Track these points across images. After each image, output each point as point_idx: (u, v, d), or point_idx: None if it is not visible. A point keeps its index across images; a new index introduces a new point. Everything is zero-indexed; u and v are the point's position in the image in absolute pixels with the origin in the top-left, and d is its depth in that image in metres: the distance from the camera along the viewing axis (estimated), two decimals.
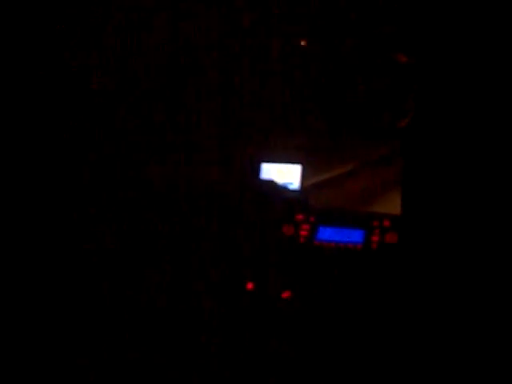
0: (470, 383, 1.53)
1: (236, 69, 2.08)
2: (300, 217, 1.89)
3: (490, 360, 1.52)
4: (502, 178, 1.56)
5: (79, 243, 1.78)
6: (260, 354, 1.73)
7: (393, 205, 1.85)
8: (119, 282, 1.79)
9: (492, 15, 1.56)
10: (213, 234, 1.83)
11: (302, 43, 2.08)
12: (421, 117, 1.67)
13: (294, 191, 2.09)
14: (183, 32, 1.99)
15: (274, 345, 1.74)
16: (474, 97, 1.59)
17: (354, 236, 1.83)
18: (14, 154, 1.71)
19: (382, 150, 2.11)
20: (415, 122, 1.72)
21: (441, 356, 1.57)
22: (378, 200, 2.17)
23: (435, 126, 1.63)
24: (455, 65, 1.61)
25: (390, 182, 2.13)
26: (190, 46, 2.00)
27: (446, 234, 1.60)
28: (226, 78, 2.07)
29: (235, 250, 1.83)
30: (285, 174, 2.12)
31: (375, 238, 1.80)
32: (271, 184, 2.00)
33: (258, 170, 2.12)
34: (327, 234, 1.86)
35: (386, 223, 1.81)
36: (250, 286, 1.81)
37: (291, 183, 2.12)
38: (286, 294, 1.79)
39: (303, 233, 1.87)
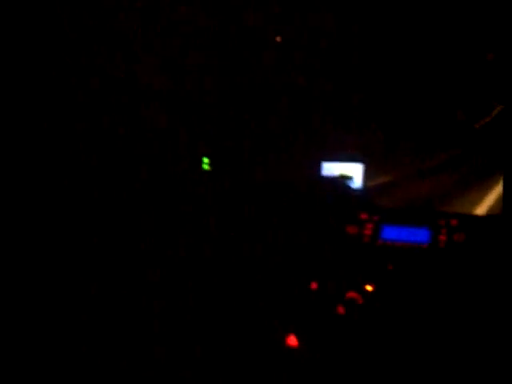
0: None
1: (300, 71, 2.06)
2: (364, 216, 1.87)
3: None
4: None
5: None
6: (325, 352, 1.72)
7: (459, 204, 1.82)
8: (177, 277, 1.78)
9: None
10: (278, 233, 1.82)
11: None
12: None
13: (357, 190, 2.06)
14: (243, 36, 1.99)
15: (338, 344, 1.72)
16: None
17: (420, 235, 1.80)
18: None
19: (451, 152, 2.04)
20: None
21: None
22: (444, 202, 2.12)
23: None
24: None
25: (456, 184, 2.07)
26: (256, 50, 2.00)
27: None
28: (291, 80, 2.06)
29: (299, 250, 1.82)
30: (346, 173, 2.10)
31: (443, 238, 1.76)
32: (339, 181, 1.98)
33: (319, 169, 2.10)
34: (392, 233, 1.83)
35: (454, 222, 1.78)
36: (314, 285, 1.80)
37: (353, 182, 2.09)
38: (349, 295, 1.78)
39: (367, 232, 1.85)
